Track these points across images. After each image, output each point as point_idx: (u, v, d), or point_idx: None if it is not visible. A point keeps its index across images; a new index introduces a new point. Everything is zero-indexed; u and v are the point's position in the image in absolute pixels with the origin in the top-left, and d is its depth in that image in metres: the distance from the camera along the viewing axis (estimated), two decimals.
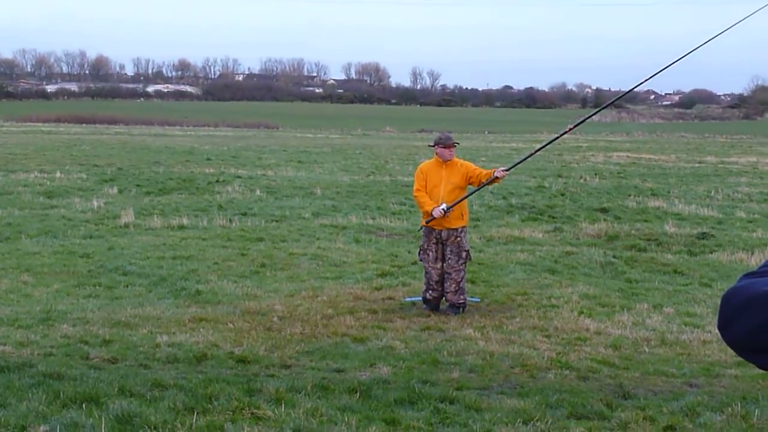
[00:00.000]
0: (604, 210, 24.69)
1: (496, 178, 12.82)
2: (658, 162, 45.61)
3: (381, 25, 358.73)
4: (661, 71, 11.73)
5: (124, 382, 8.99)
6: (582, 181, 33.38)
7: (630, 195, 28.38)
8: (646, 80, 12.23)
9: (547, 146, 13.56)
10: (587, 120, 14.36)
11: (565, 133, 14.04)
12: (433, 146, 13.20)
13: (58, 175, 31.41)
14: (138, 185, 29.18)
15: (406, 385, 9.22)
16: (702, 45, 10.81)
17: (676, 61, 11.19)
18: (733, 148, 62.74)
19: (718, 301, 2.32)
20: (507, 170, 12.96)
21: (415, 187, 13.15)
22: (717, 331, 2.34)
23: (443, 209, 12.65)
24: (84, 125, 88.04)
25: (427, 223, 12.95)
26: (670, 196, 28.38)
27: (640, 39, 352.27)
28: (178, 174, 33.12)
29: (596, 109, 13.97)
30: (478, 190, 13.28)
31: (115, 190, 27.70)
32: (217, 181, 30.63)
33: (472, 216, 21.06)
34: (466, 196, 12.96)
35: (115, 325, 11.63)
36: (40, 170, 33.04)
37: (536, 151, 13.66)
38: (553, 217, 23.48)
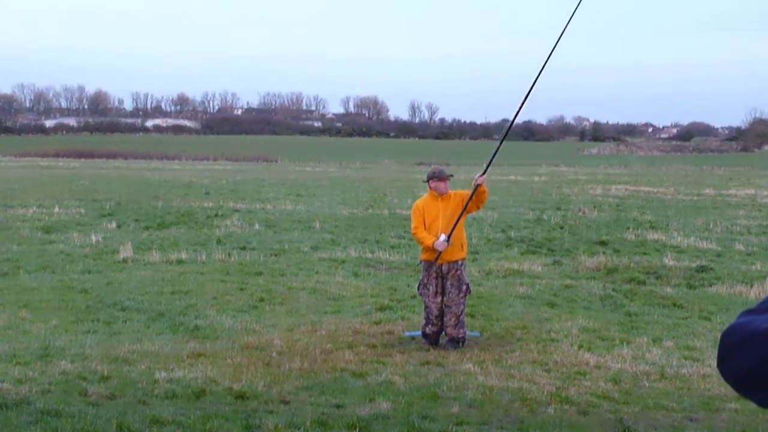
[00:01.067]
0: (603, 243, 24.68)
1: (479, 185, 12.73)
2: (657, 194, 45.68)
3: (379, 58, 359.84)
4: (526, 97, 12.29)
5: (123, 418, 8.96)
6: (581, 213, 33.39)
7: (629, 228, 28.38)
8: (519, 109, 12.75)
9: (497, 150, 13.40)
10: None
11: (505, 135, 14.02)
12: (427, 181, 13.18)
13: (56, 209, 31.41)
14: (136, 219, 29.17)
15: (405, 420, 9.20)
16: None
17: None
18: (731, 180, 62.82)
19: (718, 335, 2.31)
20: (482, 175, 12.87)
21: (413, 225, 13.12)
22: (716, 367, 2.34)
23: (444, 240, 12.63)
24: (82, 160, 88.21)
25: (435, 260, 12.89)
26: (669, 228, 28.38)
27: (637, 71, 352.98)
28: (177, 208, 33.12)
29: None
30: (465, 207, 13.01)
31: (114, 224, 27.68)
32: (216, 215, 30.63)
33: (471, 249, 21.06)
34: (460, 216, 12.80)
35: (114, 360, 11.60)
36: (39, 205, 33.04)
37: (499, 144, 13.51)
38: (552, 250, 23.46)
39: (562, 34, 12.21)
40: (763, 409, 2.29)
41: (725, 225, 29.67)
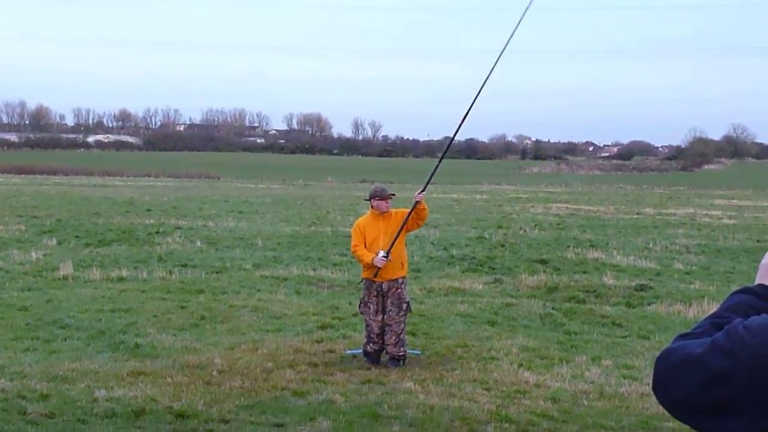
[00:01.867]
0: (543, 261, 24.82)
1: (417, 202, 12.81)
2: (597, 213, 45.99)
3: (323, 76, 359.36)
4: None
5: None
6: (522, 232, 33.57)
7: (569, 246, 28.56)
8: (458, 127, 12.95)
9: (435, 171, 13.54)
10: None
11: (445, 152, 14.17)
12: (369, 200, 13.24)
13: None
14: (77, 236, 28.94)
15: None
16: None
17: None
18: (671, 199, 63.38)
19: (657, 354, 2.35)
20: (422, 191, 12.95)
21: (353, 243, 13.16)
22: (651, 391, 2.37)
23: (383, 256, 12.67)
24: (23, 176, 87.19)
25: (374, 276, 12.94)
26: (609, 247, 28.58)
27: (579, 91, 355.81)
28: (118, 225, 32.90)
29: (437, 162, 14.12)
30: (405, 223, 13.07)
31: (54, 241, 27.43)
32: (157, 233, 30.46)
33: (413, 267, 21.11)
34: (398, 233, 12.85)
35: (53, 379, 11.52)
36: None
37: (439, 161, 13.62)
38: (494, 269, 23.56)
39: (500, 55, 12.34)
40: None
41: (664, 244, 29.94)
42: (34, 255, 23.78)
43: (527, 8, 12.32)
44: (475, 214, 41.73)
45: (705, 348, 2.26)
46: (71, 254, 24.29)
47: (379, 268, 12.77)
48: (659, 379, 2.34)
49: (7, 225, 31.77)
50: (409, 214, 12.87)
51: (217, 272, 21.94)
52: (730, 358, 2.20)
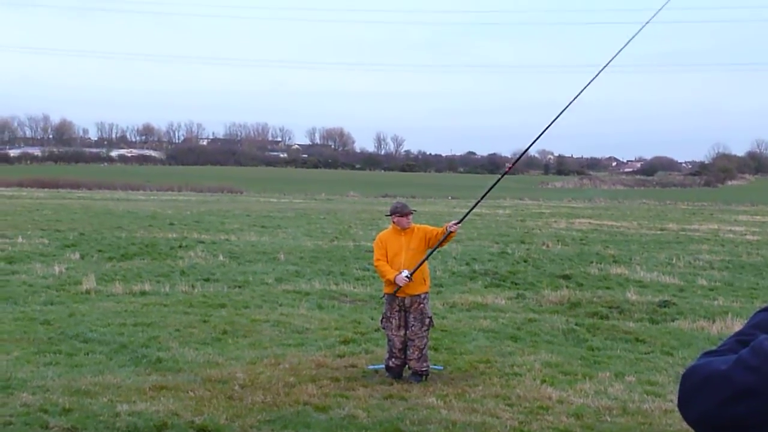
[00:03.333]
0: (566, 277, 24.77)
1: (451, 233, 12.84)
2: (620, 229, 45.89)
3: (345, 90, 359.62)
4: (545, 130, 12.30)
5: None
6: (544, 247, 33.50)
7: (592, 262, 28.49)
8: (535, 140, 12.82)
9: (485, 196, 13.57)
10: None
11: (505, 173, 14.12)
12: (390, 215, 13.26)
13: (19, 240, 31.21)
14: (100, 250, 29.03)
15: None
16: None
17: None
18: (695, 215, 63.21)
19: (680, 370, 2.34)
20: (458, 223, 12.99)
21: (375, 257, 13.18)
22: (677, 408, 2.35)
23: (406, 276, 12.68)
24: (47, 190, 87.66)
25: (395, 293, 12.96)
26: (632, 263, 28.50)
27: (601, 106, 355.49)
28: (141, 239, 32.99)
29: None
30: (435, 250, 13.23)
31: (77, 255, 27.52)
32: (180, 246, 30.53)
33: (435, 282, 21.10)
34: (425, 259, 12.96)
35: (75, 393, 11.53)
36: (1, 235, 32.83)
37: (481, 199, 13.65)
38: (516, 284, 23.53)
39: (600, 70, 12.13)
40: None
41: (688, 260, 29.84)
42: (57, 268, 23.86)
43: (647, 22, 12.17)
44: (497, 229, 41.71)
45: (730, 364, 2.24)
46: (94, 268, 24.36)
47: (400, 286, 12.79)
48: (684, 395, 2.32)
49: (30, 239, 31.89)
50: (440, 242, 12.93)
51: (239, 286, 21.96)
52: (755, 374, 2.18)
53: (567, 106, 12.24)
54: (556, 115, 12.38)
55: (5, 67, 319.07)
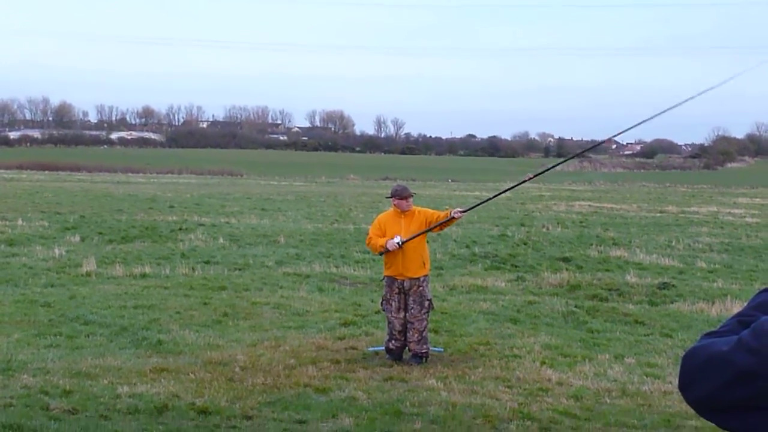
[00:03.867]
0: (566, 259, 24.77)
1: (453, 218, 12.84)
2: (620, 211, 45.86)
3: (345, 73, 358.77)
4: (639, 124, 11.96)
5: None
6: (544, 230, 33.48)
7: (592, 244, 28.49)
8: (621, 132, 12.50)
9: (504, 193, 13.65)
10: (548, 170, 14.60)
11: (525, 182, 14.18)
12: (390, 197, 13.26)
13: (19, 222, 31.21)
14: (100, 233, 29.03)
15: None
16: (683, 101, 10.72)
17: (656, 115, 11.29)
18: (694, 198, 63.16)
19: (679, 352, 2.36)
20: (464, 211, 12.98)
21: (369, 235, 13.22)
22: (678, 390, 2.36)
23: (398, 242, 12.68)
24: (46, 172, 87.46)
25: (381, 254, 13.01)
26: (632, 245, 28.49)
27: (601, 89, 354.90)
28: (141, 222, 32.99)
29: (561, 160, 14.03)
30: (432, 228, 13.20)
31: (78, 238, 27.51)
32: (180, 229, 30.52)
33: (436, 265, 21.12)
34: (423, 233, 12.92)
35: (76, 375, 11.56)
36: (2, 218, 32.82)
37: (493, 197, 13.71)
38: (516, 266, 23.54)
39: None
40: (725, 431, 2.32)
41: (687, 242, 29.84)
42: (57, 251, 23.87)
43: None
44: (497, 212, 41.63)
45: (731, 346, 2.24)
46: (94, 251, 24.38)
47: (389, 250, 12.78)
48: (685, 377, 2.33)
49: (30, 221, 31.88)
50: (440, 224, 12.94)
51: (239, 269, 21.97)
52: (756, 356, 2.18)
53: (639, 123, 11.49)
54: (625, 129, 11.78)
55: (5, 50, 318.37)
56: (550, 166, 13.61)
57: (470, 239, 28.99)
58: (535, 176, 13.89)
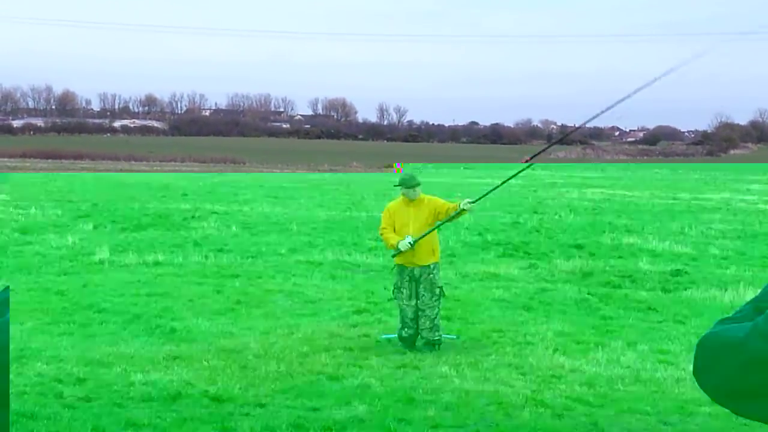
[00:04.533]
0: (578, 246, 24.71)
1: (463, 210, 12.82)
2: (632, 198, 45.72)
3: (348, 61, 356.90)
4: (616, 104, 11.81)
5: (98, 421, 8.97)
6: (557, 217, 33.40)
7: (604, 231, 28.40)
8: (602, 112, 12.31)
9: (509, 180, 13.58)
10: (546, 152, 14.53)
11: (524, 169, 14.08)
12: (399, 186, 13.27)
13: (32, 210, 31.28)
14: (113, 221, 29.06)
15: (381, 423, 9.24)
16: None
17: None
18: (707, 184, 63.00)
19: (692, 339, 2.35)
20: (473, 202, 12.94)
21: (381, 226, 13.27)
22: (693, 376, 2.36)
23: (409, 242, 12.69)
24: (50, 160, 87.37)
25: (393, 256, 13.03)
26: (644, 232, 28.41)
27: (603, 75, 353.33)
28: (154, 210, 33.03)
29: (552, 141, 13.94)
30: (443, 223, 13.23)
31: (90, 226, 27.56)
32: (193, 217, 30.55)
33: (448, 252, 21.11)
34: (433, 229, 12.95)
35: (89, 363, 11.59)
36: (15, 206, 32.90)
37: (500, 185, 13.66)
38: (529, 254, 23.49)
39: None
40: (739, 416, 2.32)
41: (700, 229, 29.72)
42: (70, 239, 23.92)
43: None
44: (509, 199, 41.55)
45: (746, 332, 2.24)
46: (107, 238, 24.42)
47: (401, 251, 12.81)
48: (700, 363, 2.33)
49: (43, 209, 31.95)
50: (451, 217, 12.94)
51: (252, 257, 21.99)
52: None
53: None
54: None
55: (7, 38, 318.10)
56: (543, 147, 13.56)
57: (483, 227, 28.93)
58: (532, 158, 13.77)
